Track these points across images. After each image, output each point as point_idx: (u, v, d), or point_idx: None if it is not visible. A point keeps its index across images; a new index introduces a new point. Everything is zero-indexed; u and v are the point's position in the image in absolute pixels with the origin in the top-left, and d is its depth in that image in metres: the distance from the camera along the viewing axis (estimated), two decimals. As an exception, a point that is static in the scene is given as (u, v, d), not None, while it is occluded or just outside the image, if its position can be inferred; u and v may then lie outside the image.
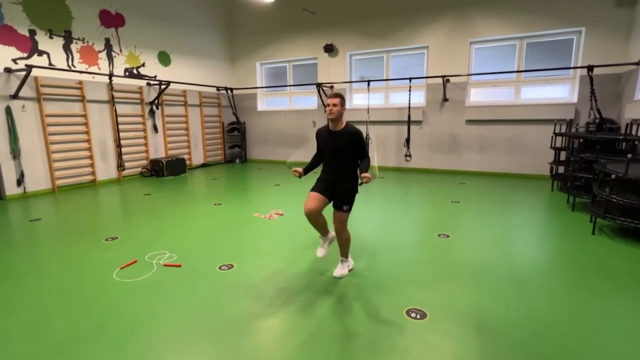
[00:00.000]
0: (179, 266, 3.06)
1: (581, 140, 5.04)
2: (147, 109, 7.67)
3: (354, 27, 8.09)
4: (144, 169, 7.70)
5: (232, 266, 3.05)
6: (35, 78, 5.78)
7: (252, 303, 2.45)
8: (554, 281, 2.73)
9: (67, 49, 6.26)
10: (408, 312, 2.30)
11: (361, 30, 8.03)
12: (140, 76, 7.55)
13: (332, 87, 8.55)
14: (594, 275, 2.83)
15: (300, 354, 1.93)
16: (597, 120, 5.66)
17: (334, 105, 2.57)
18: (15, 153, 5.62)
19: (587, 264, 3.03)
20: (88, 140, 6.59)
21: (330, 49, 8.35)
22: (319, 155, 2.86)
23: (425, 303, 2.41)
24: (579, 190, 4.83)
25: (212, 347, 2.01)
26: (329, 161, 2.74)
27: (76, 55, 6.40)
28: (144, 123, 7.62)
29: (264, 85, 9.79)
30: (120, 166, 7.02)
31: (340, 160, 2.67)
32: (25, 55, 5.72)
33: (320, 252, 2.84)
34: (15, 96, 5.56)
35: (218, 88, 9.28)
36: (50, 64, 6.03)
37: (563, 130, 5.84)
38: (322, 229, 2.79)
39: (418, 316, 2.26)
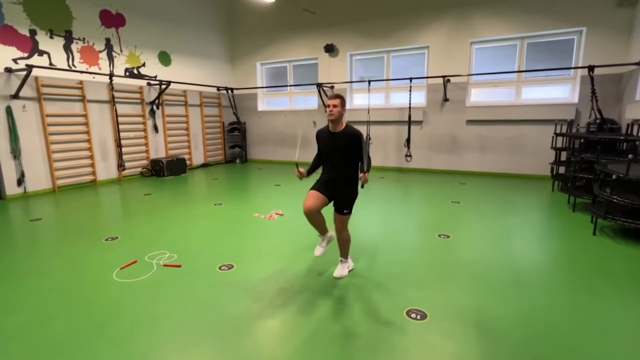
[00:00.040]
0: (179, 266, 3.06)
1: (582, 140, 5.04)
2: (147, 109, 7.67)
3: (355, 27, 8.09)
4: (145, 169, 7.70)
5: (232, 266, 3.04)
6: (36, 78, 5.79)
7: (252, 303, 2.45)
8: (554, 281, 2.72)
9: (67, 48, 6.26)
10: (408, 313, 2.29)
11: (361, 30, 8.03)
12: (140, 76, 7.55)
13: (332, 87, 8.55)
14: (595, 275, 2.83)
15: (300, 355, 1.92)
16: (597, 121, 5.65)
17: (334, 106, 2.57)
18: (16, 153, 5.62)
19: (587, 265, 3.02)
20: (88, 140, 6.60)
21: (330, 49, 8.35)
22: (320, 156, 2.85)
23: (425, 303, 2.40)
24: (580, 191, 4.83)
25: (212, 347, 2.01)
26: (329, 162, 2.74)
27: (77, 55, 6.41)
28: (144, 123, 7.62)
29: (264, 85, 9.79)
30: (121, 166, 7.03)
31: (341, 162, 2.67)
32: (25, 55, 5.73)
33: (319, 250, 2.84)
34: (15, 96, 5.56)
35: (218, 88, 9.28)
36: (50, 64, 6.04)
37: (564, 131, 5.82)
38: (320, 227, 2.79)
39: (418, 317, 2.25)
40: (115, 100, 6.93)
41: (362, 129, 2.71)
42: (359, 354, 1.92)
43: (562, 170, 5.99)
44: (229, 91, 9.60)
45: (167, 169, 7.58)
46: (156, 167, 7.62)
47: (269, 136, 9.79)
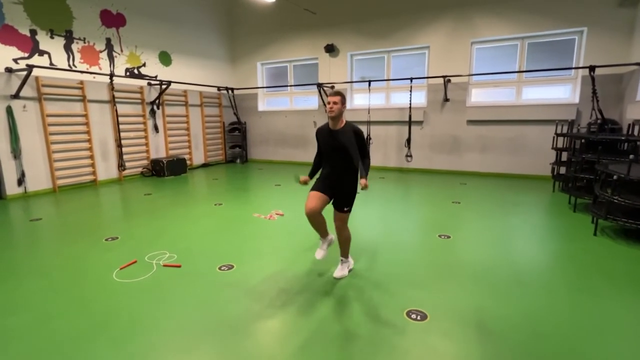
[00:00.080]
0: (179, 266, 3.05)
1: (583, 140, 5.03)
2: (148, 108, 7.67)
3: (355, 27, 8.08)
4: (145, 169, 7.70)
5: (232, 266, 3.04)
6: (36, 78, 5.79)
7: (252, 303, 2.45)
8: (555, 282, 2.71)
9: (68, 48, 6.26)
10: (408, 314, 2.29)
11: (362, 30, 8.02)
12: (141, 76, 7.55)
13: (332, 87, 8.54)
14: (595, 276, 2.82)
15: (300, 355, 1.92)
16: (598, 121, 5.64)
17: (334, 103, 2.57)
18: (16, 153, 5.63)
19: (588, 265, 3.02)
20: (89, 140, 6.60)
21: (331, 49, 8.34)
22: (320, 155, 2.85)
23: (425, 304, 2.40)
24: (581, 191, 4.82)
25: (212, 347, 2.01)
26: (329, 159, 2.73)
27: (77, 55, 6.41)
28: (144, 123, 7.62)
29: (264, 86, 9.79)
30: (121, 166, 7.03)
31: (341, 159, 2.66)
32: (26, 55, 5.73)
33: (319, 254, 2.83)
34: (16, 96, 5.56)
35: (219, 88, 9.28)
36: (51, 63, 6.04)
37: (564, 131, 5.82)
38: (322, 229, 2.78)
39: (418, 317, 2.25)
40: (116, 100, 6.93)
41: (363, 129, 2.71)
42: (359, 354, 1.92)
43: (562, 170, 5.98)
44: (230, 91, 9.60)
45: (168, 169, 7.58)
46: (156, 167, 7.62)
47: (270, 136, 9.79)
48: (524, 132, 6.90)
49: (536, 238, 3.76)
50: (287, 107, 9.61)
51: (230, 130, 9.82)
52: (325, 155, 2.75)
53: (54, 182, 6.11)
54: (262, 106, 9.93)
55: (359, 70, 8.53)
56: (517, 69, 6.89)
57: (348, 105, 8.42)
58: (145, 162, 7.72)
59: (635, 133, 5.05)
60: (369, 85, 7.76)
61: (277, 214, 4.60)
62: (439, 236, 3.74)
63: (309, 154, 8.97)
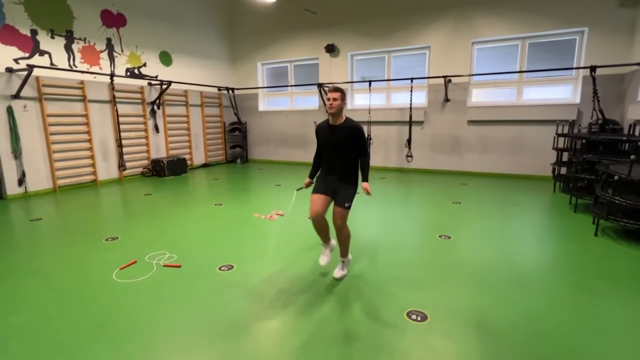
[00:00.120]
0: (179, 267, 3.05)
1: (584, 141, 5.01)
2: (148, 108, 7.67)
3: (355, 27, 8.08)
4: (145, 169, 7.70)
5: (232, 267, 3.04)
6: (37, 78, 5.79)
7: (252, 304, 2.44)
8: (555, 282, 2.71)
9: (68, 48, 6.27)
10: (409, 314, 2.29)
11: (362, 30, 8.02)
12: (141, 76, 7.55)
13: (333, 87, 8.53)
14: (596, 276, 2.82)
15: (300, 355, 1.92)
16: (599, 121, 5.63)
17: (334, 99, 2.57)
18: (17, 153, 5.63)
19: (589, 266, 3.01)
20: (89, 140, 6.60)
21: (331, 49, 8.34)
22: (319, 154, 2.84)
23: (425, 305, 2.39)
24: (582, 192, 4.81)
25: (212, 347, 2.00)
26: (329, 156, 2.72)
27: (77, 55, 6.41)
28: (145, 123, 7.62)
29: (265, 86, 9.78)
30: (122, 166, 7.03)
31: (340, 155, 2.66)
32: (26, 55, 5.73)
33: (324, 260, 2.82)
34: (16, 96, 5.57)
35: (219, 88, 9.28)
36: (51, 63, 6.04)
37: (565, 131, 5.81)
38: (324, 234, 2.78)
39: (419, 318, 2.24)
40: (116, 100, 6.93)
41: (363, 129, 2.71)
42: (359, 355, 1.92)
43: (563, 171, 5.97)
44: (230, 91, 9.60)
45: (168, 169, 7.58)
46: (157, 167, 7.63)
47: (270, 136, 9.78)
48: (525, 133, 6.89)
49: (537, 238, 3.75)
50: (287, 107, 9.61)
51: (230, 130, 9.82)
52: (325, 151, 2.74)
53: (54, 182, 6.12)
54: (262, 106, 9.93)
55: (359, 70, 8.53)
56: (517, 69, 6.88)
57: (348, 106, 8.42)
58: (145, 162, 7.72)
59: (637, 133, 5.04)
60: (370, 85, 7.76)
61: (277, 214, 4.60)
62: (440, 236, 3.74)
63: (309, 154, 8.96)
